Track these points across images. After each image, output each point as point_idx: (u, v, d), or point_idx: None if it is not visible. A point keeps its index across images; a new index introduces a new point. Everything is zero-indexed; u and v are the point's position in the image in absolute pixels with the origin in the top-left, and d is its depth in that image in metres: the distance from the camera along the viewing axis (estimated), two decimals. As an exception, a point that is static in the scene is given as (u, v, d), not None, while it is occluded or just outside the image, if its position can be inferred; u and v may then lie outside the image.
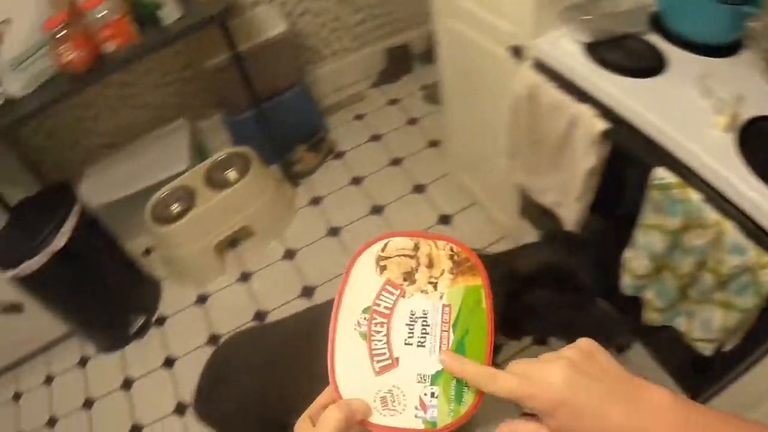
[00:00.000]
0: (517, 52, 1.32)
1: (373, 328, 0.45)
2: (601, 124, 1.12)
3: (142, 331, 2.09)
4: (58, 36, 1.55)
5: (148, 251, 2.37)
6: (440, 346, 0.44)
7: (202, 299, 2.14)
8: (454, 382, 0.43)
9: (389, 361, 0.44)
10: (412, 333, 0.45)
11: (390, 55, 2.77)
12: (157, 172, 2.16)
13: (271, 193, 2.17)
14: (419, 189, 2.26)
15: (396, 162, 2.39)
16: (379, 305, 0.46)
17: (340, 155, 2.49)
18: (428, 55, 2.58)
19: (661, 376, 1.35)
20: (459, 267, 0.47)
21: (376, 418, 0.42)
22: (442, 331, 0.45)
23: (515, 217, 1.78)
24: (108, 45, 1.67)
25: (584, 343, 0.42)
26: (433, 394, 0.43)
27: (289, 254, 2.17)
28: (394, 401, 0.43)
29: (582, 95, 1.17)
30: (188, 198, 2.04)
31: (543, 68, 1.26)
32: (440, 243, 0.49)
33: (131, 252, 2.18)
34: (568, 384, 0.38)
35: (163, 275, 2.26)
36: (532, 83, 1.26)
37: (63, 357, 2.15)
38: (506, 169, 1.56)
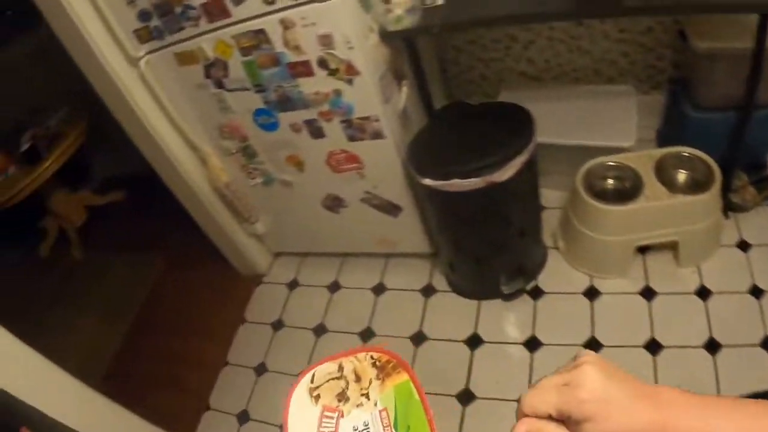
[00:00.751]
0: None
1: None
2: None
3: (513, 295, 1.96)
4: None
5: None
6: None
7: (591, 293, 1.93)
8: None
9: None
10: None
11: None
12: (599, 135, 1.98)
13: (714, 218, 1.83)
14: None
15: None
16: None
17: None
18: None
19: None
20: (383, 371, 0.49)
21: None
22: None
23: None
24: None
25: (590, 354, 0.42)
26: None
27: (702, 293, 1.83)
28: None
29: None
30: (632, 181, 1.82)
31: None
32: (360, 356, 0.50)
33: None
34: (603, 385, 0.39)
35: (554, 245, 2.08)
36: None
37: (395, 272, 2.24)
38: None
